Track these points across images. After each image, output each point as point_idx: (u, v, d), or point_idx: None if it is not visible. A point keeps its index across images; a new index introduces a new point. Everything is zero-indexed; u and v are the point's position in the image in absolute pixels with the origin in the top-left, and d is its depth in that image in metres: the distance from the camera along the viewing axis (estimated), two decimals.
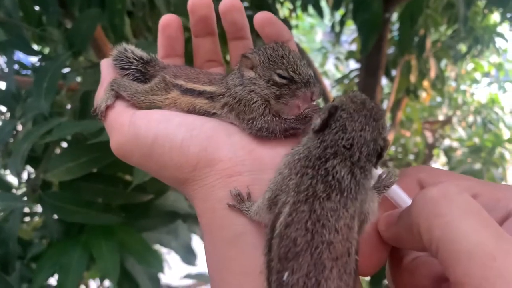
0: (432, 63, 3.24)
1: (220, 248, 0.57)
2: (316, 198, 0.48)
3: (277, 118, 0.61)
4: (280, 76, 0.61)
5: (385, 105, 3.45)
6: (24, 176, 1.51)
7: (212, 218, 0.58)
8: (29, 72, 1.75)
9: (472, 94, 4.95)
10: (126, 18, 1.52)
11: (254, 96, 0.62)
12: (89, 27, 1.39)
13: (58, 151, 1.56)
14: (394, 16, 2.91)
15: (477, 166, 4.17)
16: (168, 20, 0.71)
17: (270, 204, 0.52)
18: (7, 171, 1.63)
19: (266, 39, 0.67)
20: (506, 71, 5.02)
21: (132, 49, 0.75)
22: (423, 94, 3.78)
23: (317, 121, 0.51)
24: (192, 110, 0.66)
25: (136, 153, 0.63)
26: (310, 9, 2.70)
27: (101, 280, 2.09)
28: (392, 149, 4.11)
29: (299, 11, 3.35)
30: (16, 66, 1.67)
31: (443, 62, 3.70)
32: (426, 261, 0.54)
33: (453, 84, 4.63)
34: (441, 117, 4.72)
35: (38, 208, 1.48)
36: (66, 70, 1.53)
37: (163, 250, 2.08)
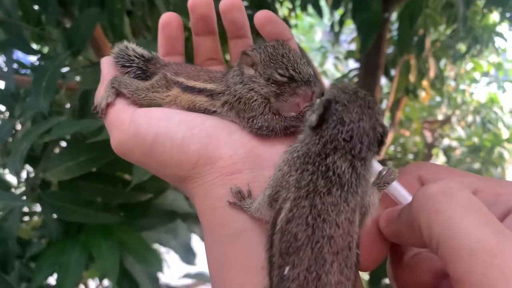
0: (431, 62, 3.24)
1: (220, 246, 0.56)
2: (316, 194, 0.48)
3: (277, 117, 0.61)
4: (280, 74, 0.61)
5: (385, 104, 3.46)
6: (23, 175, 1.50)
7: (213, 216, 0.58)
8: (28, 71, 1.75)
9: (471, 94, 4.95)
10: (126, 18, 1.51)
11: (254, 95, 0.62)
12: (88, 26, 1.39)
13: (57, 150, 1.56)
14: (394, 16, 2.91)
15: (476, 165, 4.18)
16: (168, 19, 0.71)
17: (270, 200, 0.52)
18: (6, 170, 1.62)
19: (267, 38, 0.67)
20: (505, 70, 5.02)
21: (133, 47, 0.75)
22: (422, 94, 3.78)
23: (312, 118, 0.50)
24: (192, 108, 0.66)
25: (136, 151, 0.63)
26: (310, 9, 2.70)
27: (100, 280, 2.08)
28: (391, 148, 4.11)
29: (298, 11, 3.35)
30: (15, 65, 1.67)
31: (443, 62, 3.70)
32: (427, 257, 0.54)
33: (452, 83, 4.64)
34: (440, 117, 4.73)
35: (37, 208, 1.48)
36: (65, 69, 1.53)
37: (162, 250, 2.08)
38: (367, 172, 0.51)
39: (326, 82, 4.48)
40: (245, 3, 1.94)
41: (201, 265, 1.77)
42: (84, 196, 1.37)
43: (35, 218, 1.80)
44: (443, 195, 0.44)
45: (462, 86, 4.87)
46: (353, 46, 3.74)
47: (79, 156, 1.31)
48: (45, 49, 1.91)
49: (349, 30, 4.50)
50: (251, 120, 0.61)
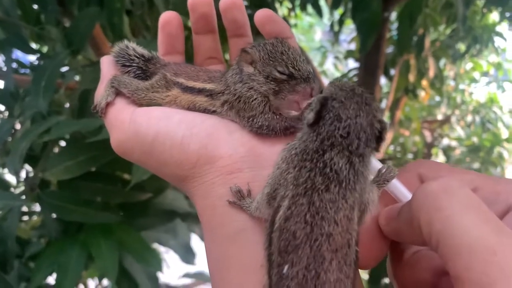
0: (431, 62, 3.24)
1: (220, 245, 0.56)
2: (314, 191, 0.48)
3: (277, 116, 0.61)
4: (279, 72, 0.61)
5: (384, 104, 3.46)
6: (23, 175, 1.50)
7: (212, 215, 0.58)
8: (27, 70, 1.74)
9: (471, 94, 4.96)
10: (125, 17, 1.51)
11: (253, 93, 0.62)
12: (87, 25, 1.39)
13: (56, 149, 1.56)
14: (393, 15, 2.91)
15: (476, 165, 4.19)
16: (168, 18, 0.71)
17: (269, 199, 0.52)
18: (6, 170, 1.62)
19: (267, 37, 0.67)
20: (505, 70, 5.02)
21: (133, 47, 0.75)
22: (422, 94, 3.78)
23: (309, 115, 0.50)
24: (192, 108, 0.66)
25: (136, 151, 0.63)
26: (309, 8, 2.70)
27: (100, 279, 2.08)
28: (391, 148, 4.12)
29: (298, 10, 3.35)
30: (14, 65, 1.67)
31: (442, 62, 3.70)
32: (427, 255, 0.54)
33: (452, 83, 4.64)
34: (440, 117, 4.74)
35: (37, 207, 1.48)
36: (64, 68, 1.53)
37: (162, 249, 2.08)
38: (365, 169, 0.50)
39: (326, 81, 4.48)
40: (245, 3, 1.93)
41: (201, 264, 1.78)
42: (84, 196, 1.37)
43: (35, 217, 1.80)
44: (443, 193, 0.44)
45: (461, 86, 4.87)
46: (353, 46, 3.74)
47: (78, 155, 1.31)
48: (44, 49, 1.91)
49: (349, 30, 4.51)
50: (251, 119, 0.61)
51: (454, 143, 4.65)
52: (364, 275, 2.10)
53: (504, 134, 4.51)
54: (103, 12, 1.43)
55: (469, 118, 4.70)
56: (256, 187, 0.56)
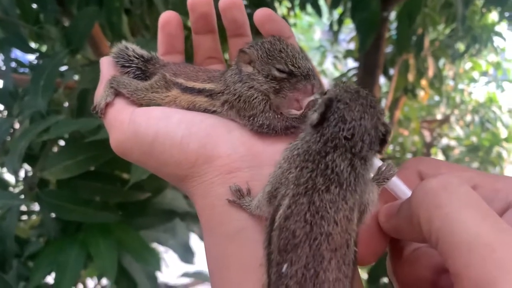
0: (430, 62, 3.24)
1: (220, 244, 0.56)
2: (315, 191, 0.48)
3: (278, 115, 0.61)
4: (279, 70, 0.61)
5: (383, 104, 3.46)
6: (21, 174, 1.50)
7: (212, 215, 0.58)
8: (26, 70, 1.74)
9: (470, 93, 4.96)
10: (124, 16, 1.51)
11: (254, 92, 0.62)
12: (86, 25, 1.39)
13: (55, 149, 1.56)
14: (392, 15, 2.91)
15: (475, 165, 4.19)
16: (168, 18, 0.71)
17: (270, 197, 0.52)
18: (4, 169, 1.62)
19: (267, 36, 0.67)
20: (504, 70, 5.03)
21: (133, 47, 0.75)
22: (421, 93, 3.78)
23: (314, 116, 0.50)
24: (192, 108, 0.66)
25: (136, 151, 0.63)
26: (309, 8, 2.70)
27: (99, 279, 2.09)
28: (390, 147, 4.12)
29: (297, 10, 3.35)
30: (13, 64, 1.66)
31: (441, 61, 3.70)
32: (426, 252, 0.54)
33: (451, 83, 4.64)
34: (439, 116, 4.74)
35: (36, 207, 1.48)
36: (63, 68, 1.53)
37: (161, 249, 2.08)
38: (366, 171, 0.50)
39: (325, 81, 4.48)
40: (244, 2, 1.93)
41: (200, 264, 1.78)
42: (83, 195, 1.37)
43: (33, 217, 1.80)
44: (442, 190, 0.44)
45: (460, 86, 4.88)
46: (352, 45, 3.74)
47: (77, 155, 1.31)
48: (44, 48, 1.91)
49: (348, 29, 4.50)
50: (252, 118, 0.61)
51: (453, 143, 4.66)
52: (363, 274, 2.10)
53: (503, 133, 4.52)
54: (102, 12, 1.43)
55: (468, 117, 4.70)
56: (255, 186, 0.56)
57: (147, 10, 1.81)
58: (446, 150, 4.50)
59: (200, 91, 0.66)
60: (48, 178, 1.35)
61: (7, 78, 1.47)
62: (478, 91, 5.10)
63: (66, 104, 1.59)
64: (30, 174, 1.50)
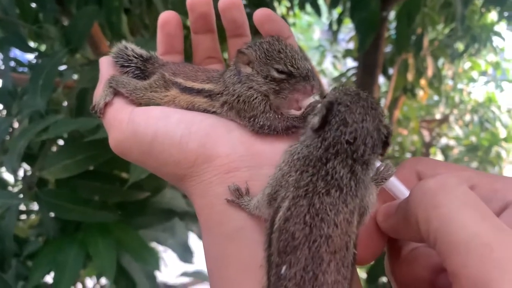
0: (429, 61, 3.24)
1: (218, 244, 0.56)
2: (315, 193, 0.48)
3: (279, 116, 0.61)
4: (278, 71, 0.60)
5: (383, 103, 3.46)
6: (20, 173, 1.50)
7: (210, 214, 0.58)
8: (25, 69, 1.74)
9: (469, 93, 4.97)
10: (123, 16, 1.51)
11: (253, 93, 0.62)
12: (86, 24, 1.38)
13: (54, 148, 1.56)
14: (392, 15, 2.91)
15: (474, 164, 4.19)
16: (167, 17, 0.71)
17: (270, 199, 0.51)
18: (3, 169, 1.62)
19: (266, 36, 0.67)
20: (503, 70, 5.03)
21: (132, 47, 0.75)
22: (420, 93, 3.78)
23: (315, 120, 0.50)
24: (191, 108, 0.66)
25: (135, 150, 0.63)
26: (308, 7, 2.70)
27: (98, 278, 2.09)
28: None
29: (296, 9, 3.35)
30: (12, 63, 1.66)
31: (441, 61, 3.70)
32: (424, 252, 0.54)
33: (450, 82, 4.65)
34: (438, 116, 4.74)
35: (35, 206, 1.48)
36: (62, 67, 1.52)
37: (160, 248, 2.08)
38: (367, 176, 0.50)
39: (324, 81, 4.48)
40: (244, 2, 1.93)
41: (199, 263, 1.77)
42: (82, 195, 1.37)
43: (32, 216, 1.80)
44: (440, 190, 0.44)
45: (460, 85, 4.88)
46: (351, 45, 3.74)
47: (76, 154, 1.31)
48: (43, 47, 1.91)
49: (347, 29, 4.50)
50: (252, 119, 0.61)
51: (452, 143, 4.66)
52: (362, 274, 2.10)
53: (502, 133, 4.52)
54: (101, 11, 1.43)
55: (467, 117, 4.71)
56: (254, 185, 0.56)
57: (147, 9, 1.80)
58: (445, 149, 4.51)
59: (199, 92, 0.66)
60: (47, 177, 1.35)
61: (6, 77, 1.46)
62: (477, 91, 5.10)
63: (65, 103, 1.59)
64: (29, 173, 1.50)
